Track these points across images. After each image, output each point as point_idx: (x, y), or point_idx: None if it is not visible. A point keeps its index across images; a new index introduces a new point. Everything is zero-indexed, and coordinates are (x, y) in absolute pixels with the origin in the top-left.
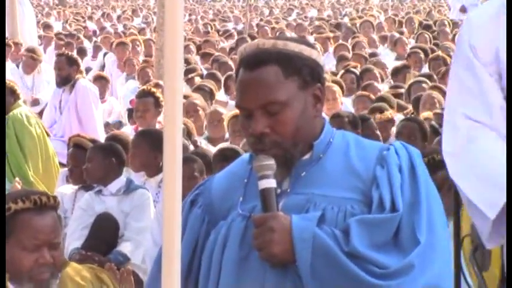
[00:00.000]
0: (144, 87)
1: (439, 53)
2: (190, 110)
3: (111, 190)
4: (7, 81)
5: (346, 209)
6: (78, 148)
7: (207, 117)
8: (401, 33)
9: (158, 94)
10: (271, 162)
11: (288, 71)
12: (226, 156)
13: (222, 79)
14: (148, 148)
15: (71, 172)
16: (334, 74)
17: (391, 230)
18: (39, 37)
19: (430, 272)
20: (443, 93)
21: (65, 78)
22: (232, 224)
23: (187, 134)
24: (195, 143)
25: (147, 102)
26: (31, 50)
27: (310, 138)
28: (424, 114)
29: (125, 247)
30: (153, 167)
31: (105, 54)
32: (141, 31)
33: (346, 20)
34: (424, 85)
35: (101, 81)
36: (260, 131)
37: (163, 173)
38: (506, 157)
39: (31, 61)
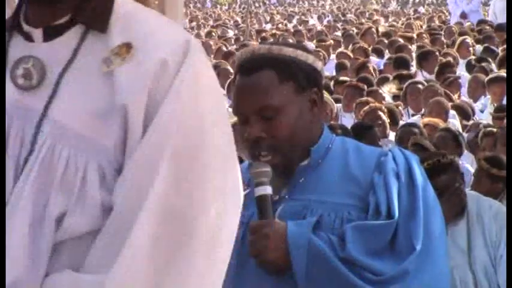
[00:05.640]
0: None
1: (450, 59)
2: None
3: None
4: None
5: (343, 215)
6: None
7: None
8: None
9: None
10: (267, 169)
11: (283, 75)
12: None
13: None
14: None
15: None
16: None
17: (387, 237)
18: None
19: (425, 279)
20: (451, 100)
21: None
22: None
23: None
24: None
25: None
26: None
27: (307, 143)
28: (425, 120)
29: None
30: None
31: None
32: None
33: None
34: (419, 86)
35: None
36: (255, 135)
37: None
38: (506, 157)
39: None
